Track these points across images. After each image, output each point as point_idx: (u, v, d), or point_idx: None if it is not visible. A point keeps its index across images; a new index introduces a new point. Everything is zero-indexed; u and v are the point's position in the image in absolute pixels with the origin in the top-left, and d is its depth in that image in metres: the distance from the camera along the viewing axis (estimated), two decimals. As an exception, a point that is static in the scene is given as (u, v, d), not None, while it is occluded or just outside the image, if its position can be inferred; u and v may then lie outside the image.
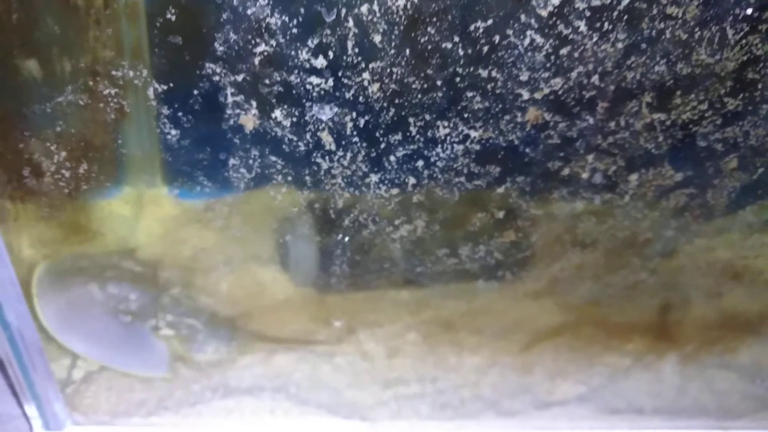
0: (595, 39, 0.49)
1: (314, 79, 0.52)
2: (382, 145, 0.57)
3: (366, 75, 0.52)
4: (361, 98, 0.53)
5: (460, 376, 0.75)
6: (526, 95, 0.53)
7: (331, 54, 0.50)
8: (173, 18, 0.49)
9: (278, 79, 0.52)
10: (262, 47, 0.50)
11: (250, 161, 0.59)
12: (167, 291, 0.71)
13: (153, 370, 0.73)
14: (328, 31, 0.49)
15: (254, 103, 0.54)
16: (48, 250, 0.66)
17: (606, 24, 0.48)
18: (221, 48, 0.50)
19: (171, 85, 0.53)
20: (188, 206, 0.67)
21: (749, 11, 0.47)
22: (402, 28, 0.49)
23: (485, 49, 0.50)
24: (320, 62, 0.51)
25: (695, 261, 0.67)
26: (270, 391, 0.75)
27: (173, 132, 0.56)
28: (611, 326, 0.73)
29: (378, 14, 0.48)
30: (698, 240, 0.65)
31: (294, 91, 0.53)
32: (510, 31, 0.49)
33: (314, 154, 0.57)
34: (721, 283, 0.70)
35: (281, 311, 0.73)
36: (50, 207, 0.62)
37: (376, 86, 0.52)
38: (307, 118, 0.55)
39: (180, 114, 0.55)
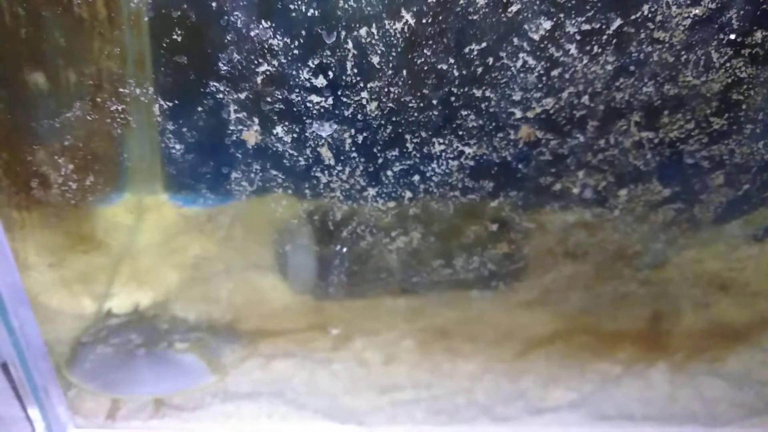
0: (585, 61, 0.51)
1: (314, 98, 0.54)
2: (380, 160, 0.58)
3: (364, 94, 0.53)
4: (359, 116, 0.55)
5: (454, 383, 0.76)
6: (518, 114, 0.55)
7: (330, 74, 0.52)
8: (178, 38, 0.51)
9: (280, 97, 0.54)
10: (264, 67, 0.52)
11: (252, 174, 0.60)
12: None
13: (200, 381, 0.75)
14: (328, 52, 0.51)
15: (256, 120, 0.55)
16: (53, 258, 0.68)
17: (596, 47, 0.50)
18: (225, 67, 0.52)
19: (176, 101, 0.55)
20: (190, 215, 0.68)
21: (732, 36, 0.49)
22: (399, 49, 0.50)
23: (479, 70, 0.52)
24: (320, 81, 0.52)
25: (684, 272, 0.69)
26: (268, 396, 0.76)
27: (177, 146, 0.58)
28: (602, 335, 0.74)
29: (376, 36, 0.50)
30: (686, 252, 0.67)
31: (295, 109, 0.54)
32: (503, 54, 0.50)
33: (314, 168, 0.59)
34: (709, 293, 0.71)
35: (280, 318, 0.74)
36: (55, 216, 0.64)
37: (374, 104, 0.54)
38: (307, 134, 0.56)
39: (184, 129, 0.57)
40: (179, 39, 0.51)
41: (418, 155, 0.57)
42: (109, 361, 0.73)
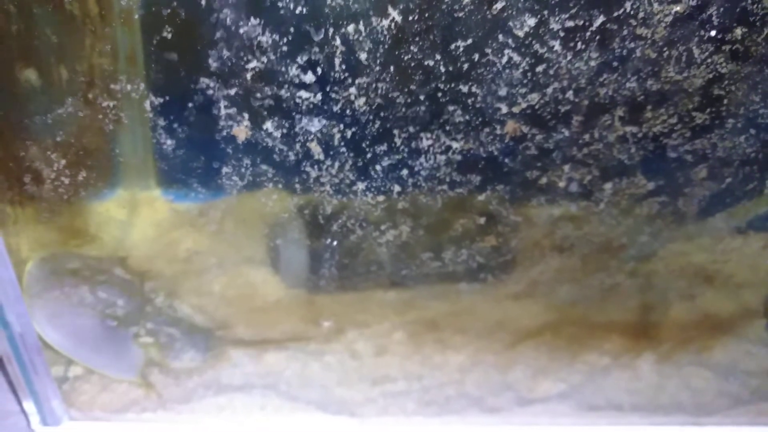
0: (569, 57, 0.52)
1: (303, 94, 0.54)
2: (369, 155, 0.59)
3: (353, 90, 0.54)
4: (348, 111, 0.55)
5: (444, 374, 0.76)
6: (504, 109, 0.55)
7: (319, 70, 0.52)
8: (169, 36, 0.51)
9: (269, 93, 0.54)
10: (254, 63, 0.52)
11: (243, 170, 0.61)
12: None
13: (123, 375, 0.74)
14: (317, 49, 0.51)
15: (246, 116, 0.56)
16: (46, 253, 0.68)
17: (579, 43, 0.51)
18: (215, 64, 0.52)
19: (167, 98, 0.55)
20: (182, 210, 0.69)
21: (713, 33, 0.50)
22: (386, 46, 0.51)
23: (465, 66, 0.52)
24: (309, 78, 0.53)
25: (670, 265, 0.69)
26: (261, 389, 0.76)
27: (168, 142, 0.59)
28: (591, 326, 0.75)
29: (364, 33, 0.50)
30: (672, 245, 0.68)
31: (284, 105, 0.55)
32: (489, 50, 0.51)
33: (304, 163, 0.59)
34: (695, 285, 0.72)
35: (273, 311, 0.75)
36: (49, 211, 0.64)
37: (362, 100, 0.54)
38: (296, 129, 0.57)
39: (175, 125, 0.57)
40: (170, 36, 0.51)
41: (406, 150, 0.58)
42: (75, 304, 0.70)
